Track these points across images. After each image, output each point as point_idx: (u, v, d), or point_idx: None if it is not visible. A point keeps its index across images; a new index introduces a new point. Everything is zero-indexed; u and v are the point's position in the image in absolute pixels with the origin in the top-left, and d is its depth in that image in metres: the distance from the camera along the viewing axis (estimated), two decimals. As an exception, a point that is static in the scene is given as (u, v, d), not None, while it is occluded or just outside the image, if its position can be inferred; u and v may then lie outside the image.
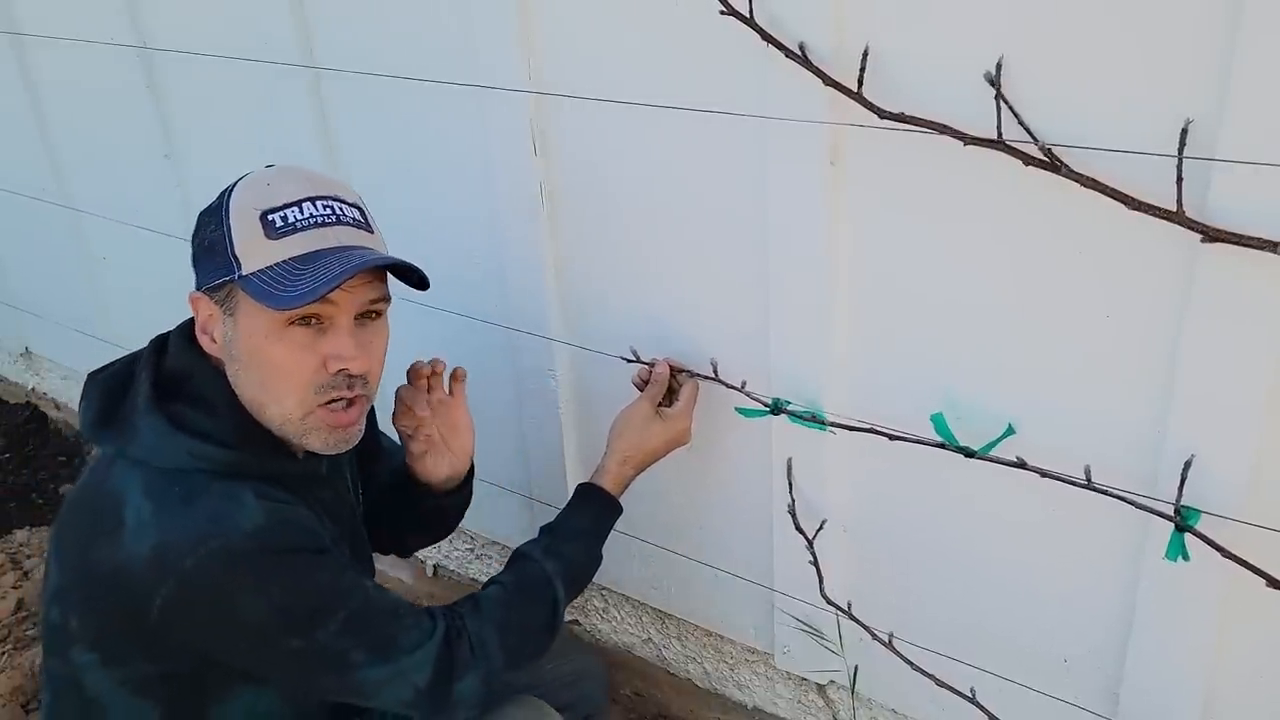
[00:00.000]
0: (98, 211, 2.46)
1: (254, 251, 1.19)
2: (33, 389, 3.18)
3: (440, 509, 1.56)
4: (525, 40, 1.49)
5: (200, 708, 1.25)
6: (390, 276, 1.28)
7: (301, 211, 1.20)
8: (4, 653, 2.31)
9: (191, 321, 1.27)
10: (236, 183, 1.24)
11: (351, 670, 1.22)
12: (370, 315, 1.26)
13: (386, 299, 1.27)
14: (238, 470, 1.20)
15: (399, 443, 1.53)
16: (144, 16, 2.05)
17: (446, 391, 1.50)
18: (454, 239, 1.75)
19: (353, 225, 1.24)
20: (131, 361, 1.28)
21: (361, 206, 1.28)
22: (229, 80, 1.94)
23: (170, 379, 1.25)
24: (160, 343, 1.29)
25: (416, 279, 1.28)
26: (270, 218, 1.19)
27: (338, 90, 1.81)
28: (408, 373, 1.49)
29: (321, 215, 1.21)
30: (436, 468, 1.49)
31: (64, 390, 3.04)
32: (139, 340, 1.31)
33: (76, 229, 2.54)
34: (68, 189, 2.51)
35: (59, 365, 2.99)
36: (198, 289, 1.24)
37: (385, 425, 1.55)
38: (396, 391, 1.48)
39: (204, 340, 1.25)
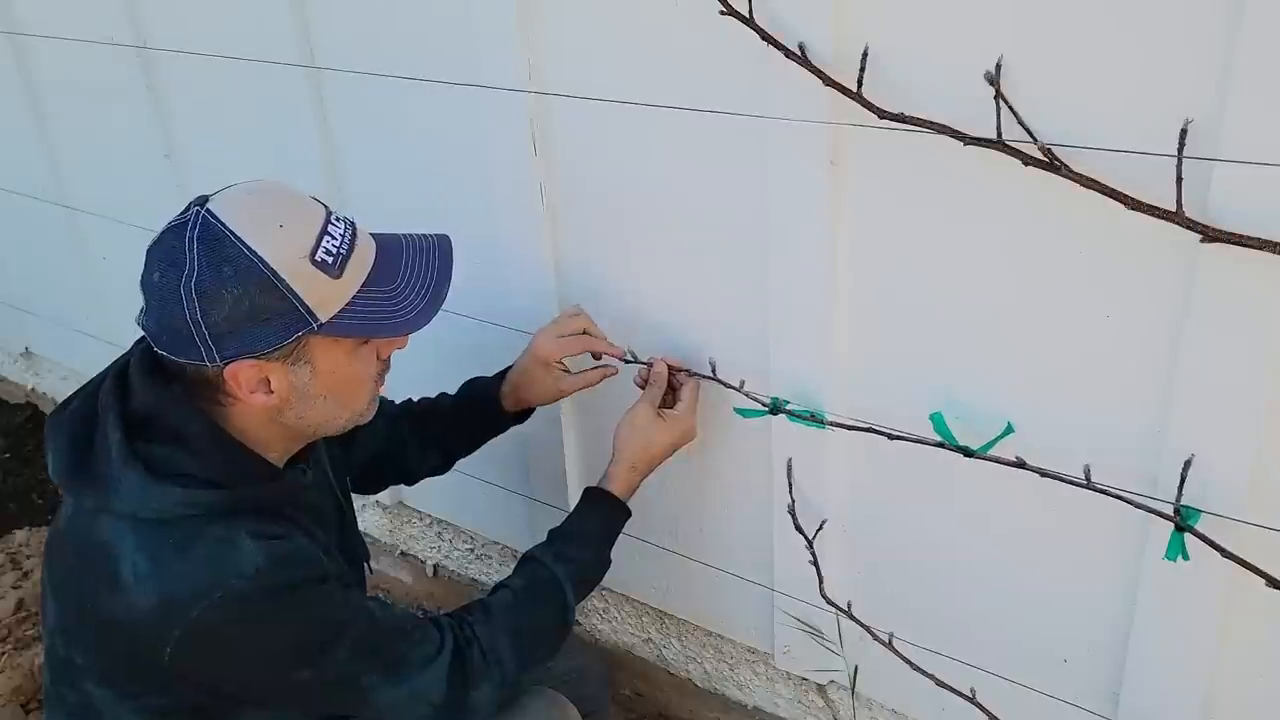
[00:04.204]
0: (97, 211, 2.45)
1: (327, 297, 1.16)
2: (33, 389, 3.18)
3: (501, 427, 1.64)
4: (525, 40, 1.49)
5: None
6: None
7: (334, 237, 1.18)
8: (4, 653, 2.31)
9: (145, 351, 1.20)
10: (244, 245, 1.12)
11: (365, 693, 1.23)
12: None
13: None
14: (231, 508, 1.17)
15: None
16: (144, 16, 2.04)
17: None
18: (453, 239, 1.74)
19: (353, 223, 1.23)
20: (91, 397, 1.21)
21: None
22: (229, 80, 1.94)
23: (138, 419, 1.18)
24: (120, 377, 1.21)
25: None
26: (320, 258, 1.15)
27: (338, 90, 1.80)
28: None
29: (346, 230, 1.20)
30: (530, 396, 1.60)
31: (64, 390, 3.03)
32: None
33: (76, 229, 2.54)
34: (67, 189, 2.50)
35: (59, 365, 2.99)
36: (240, 357, 1.13)
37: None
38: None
39: (254, 399, 1.17)
